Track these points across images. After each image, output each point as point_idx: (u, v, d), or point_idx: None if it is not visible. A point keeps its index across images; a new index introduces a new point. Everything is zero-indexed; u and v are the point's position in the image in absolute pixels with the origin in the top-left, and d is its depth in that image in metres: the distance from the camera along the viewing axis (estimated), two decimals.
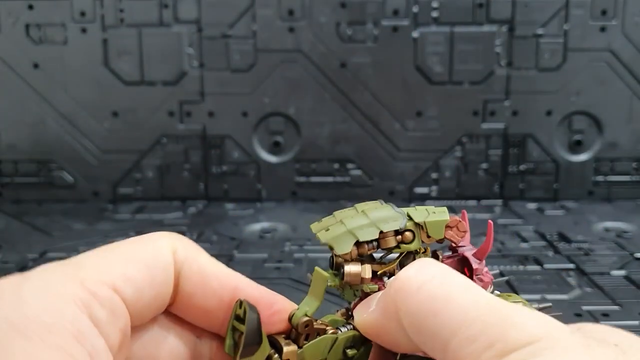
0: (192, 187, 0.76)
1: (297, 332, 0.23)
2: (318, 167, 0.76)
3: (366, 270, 0.24)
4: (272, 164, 0.76)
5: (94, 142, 0.75)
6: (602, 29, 0.72)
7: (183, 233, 0.67)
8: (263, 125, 0.75)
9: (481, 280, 0.25)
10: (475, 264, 0.26)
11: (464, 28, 0.72)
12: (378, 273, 0.25)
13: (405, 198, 0.76)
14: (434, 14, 0.72)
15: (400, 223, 0.24)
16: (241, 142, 0.75)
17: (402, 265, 0.25)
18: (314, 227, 0.25)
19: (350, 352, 0.24)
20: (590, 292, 0.50)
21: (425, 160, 0.76)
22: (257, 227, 0.68)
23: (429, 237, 0.25)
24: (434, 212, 0.25)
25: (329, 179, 0.76)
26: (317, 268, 0.24)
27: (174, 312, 0.23)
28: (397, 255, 0.25)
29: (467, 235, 0.26)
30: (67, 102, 0.74)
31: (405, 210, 0.25)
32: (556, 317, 0.21)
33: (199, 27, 0.73)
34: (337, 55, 0.73)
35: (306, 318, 0.23)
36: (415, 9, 0.72)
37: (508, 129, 0.75)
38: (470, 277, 0.25)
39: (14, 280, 0.19)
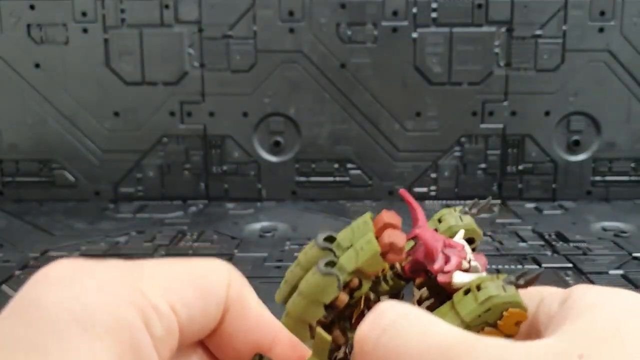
0: (192, 186, 0.77)
1: None
2: (318, 167, 0.76)
3: (337, 338, 0.24)
4: (272, 163, 0.76)
5: (95, 142, 0.76)
6: (601, 30, 0.73)
7: (184, 232, 0.67)
8: (263, 126, 0.76)
9: (447, 272, 0.23)
10: (432, 266, 0.24)
11: (463, 29, 0.73)
12: (353, 321, 0.24)
13: None
14: (433, 15, 0.73)
15: (336, 286, 0.23)
16: (241, 142, 0.76)
17: (375, 292, 0.24)
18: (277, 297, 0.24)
19: None
20: None
21: (424, 161, 0.76)
22: (257, 226, 0.69)
23: (372, 274, 0.23)
24: (362, 248, 0.23)
25: (329, 178, 0.76)
26: (319, 330, 0.22)
27: (206, 343, 0.22)
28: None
29: (421, 217, 0.24)
30: (68, 102, 0.75)
31: (338, 248, 0.24)
32: (535, 275, 0.21)
33: (200, 27, 0.73)
34: (337, 55, 0.74)
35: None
36: (414, 10, 0.73)
37: (506, 129, 0.75)
38: (435, 279, 0.23)
39: (78, 268, 0.18)
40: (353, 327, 0.24)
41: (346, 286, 0.23)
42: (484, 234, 0.64)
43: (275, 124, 0.75)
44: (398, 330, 0.19)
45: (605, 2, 0.72)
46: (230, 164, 0.76)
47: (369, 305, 0.24)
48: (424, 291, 0.25)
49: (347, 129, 0.75)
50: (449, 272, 0.23)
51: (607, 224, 0.68)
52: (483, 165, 0.76)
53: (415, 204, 0.25)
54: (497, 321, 0.22)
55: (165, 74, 0.74)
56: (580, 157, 0.76)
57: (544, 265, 0.56)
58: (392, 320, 0.19)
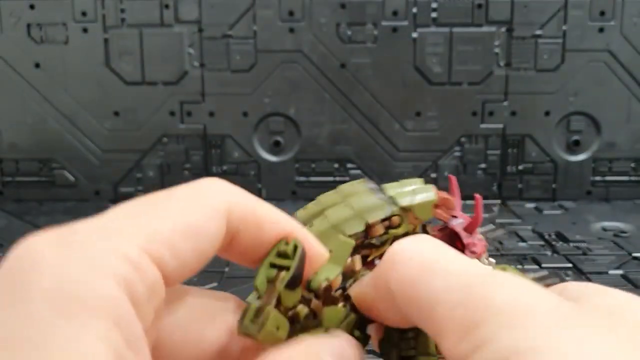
0: None
1: (316, 296, 0.22)
2: (318, 167, 0.76)
3: (356, 262, 0.24)
4: (272, 163, 0.76)
5: (95, 142, 0.76)
6: (601, 30, 0.73)
7: None
8: (263, 125, 0.76)
9: (473, 252, 0.24)
10: (466, 239, 0.25)
11: (463, 29, 0.73)
12: (369, 259, 0.24)
13: None
14: (433, 15, 0.73)
15: (385, 211, 0.24)
16: (241, 141, 0.76)
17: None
18: (300, 215, 0.24)
19: (356, 333, 0.23)
20: None
21: (424, 160, 0.76)
22: None
23: (417, 218, 0.24)
24: (419, 192, 0.24)
25: (329, 178, 0.76)
26: (341, 236, 0.23)
27: (221, 255, 0.21)
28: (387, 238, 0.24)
29: (458, 205, 0.25)
30: (68, 102, 0.75)
31: (387, 190, 0.24)
32: (553, 283, 0.21)
33: (200, 27, 0.73)
34: (337, 55, 0.74)
35: (326, 284, 0.22)
36: (414, 10, 0.73)
37: (506, 129, 0.75)
38: (462, 251, 0.24)
39: (55, 242, 0.17)
40: (366, 267, 0.24)
41: (386, 219, 0.23)
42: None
43: (275, 123, 0.75)
44: (439, 250, 0.19)
45: (605, 2, 0.72)
46: (230, 163, 0.76)
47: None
48: None
49: (347, 129, 0.75)
50: (475, 255, 0.24)
51: (607, 224, 0.68)
52: (483, 165, 0.76)
53: (480, 212, 0.25)
54: None
55: (165, 73, 0.74)
56: (580, 157, 0.76)
57: (543, 265, 0.56)
58: (434, 243, 0.19)
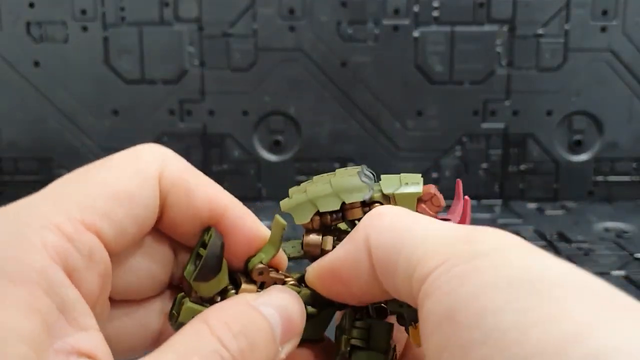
0: None
1: (251, 280, 0.22)
2: (318, 166, 0.76)
3: (327, 242, 0.23)
4: (272, 162, 0.76)
5: (94, 140, 0.75)
6: (603, 29, 0.72)
7: None
8: (263, 124, 0.75)
9: None
10: None
11: (464, 28, 0.72)
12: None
13: None
14: (435, 14, 0.72)
15: (364, 195, 0.23)
16: (241, 140, 0.75)
17: None
18: (282, 202, 0.24)
19: (310, 309, 0.23)
20: None
21: (425, 160, 0.76)
22: None
23: None
24: (407, 183, 0.24)
25: None
26: (277, 216, 0.23)
27: (160, 228, 0.22)
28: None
29: (460, 209, 0.25)
30: (67, 100, 0.74)
31: (382, 179, 0.24)
32: None
33: (200, 25, 0.73)
34: (337, 54, 0.73)
35: (260, 265, 0.22)
36: (416, 9, 0.72)
37: (508, 128, 0.75)
38: None
39: None
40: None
41: (367, 205, 0.23)
42: None
43: (275, 122, 0.75)
44: (417, 216, 0.20)
45: (607, 1, 0.72)
46: (230, 162, 0.76)
47: None
48: None
49: (348, 128, 0.75)
50: None
51: (609, 224, 0.68)
52: (484, 165, 0.75)
53: (467, 214, 0.25)
54: None
55: (164, 72, 0.74)
56: (582, 157, 0.76)
57: None
58: (410, 211, 0.21)
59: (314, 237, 0.23)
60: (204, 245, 0.21)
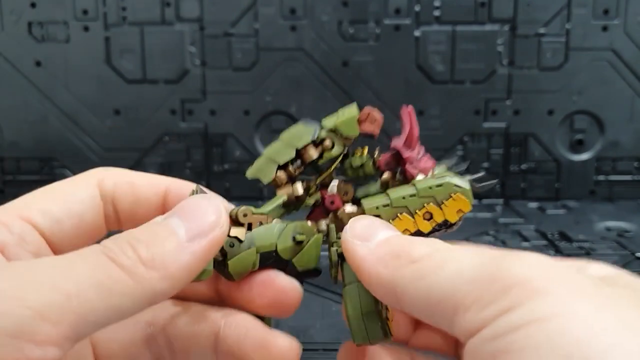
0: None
1: (238, 223, 0.24)
2: None
3: (296, 188, 0.25)
4: None
5: (96, 140, 0.75)
6: (604, 29, 0.72)
7: None
8: (265, 124, 0.75)
9: (416, 167, 0.25)
10: (406, 153, 0.26)
11: (466, 27, 0.72)
12: (317, 182, 0.26)
13: None
14: (436, 13, 0.72)
15: (312, 135, 0.25)
16: (243, 140, 0.75)
17: (340, 171, 0.26)
18: (247, 171, 0.27)
19: (299, 237, 0.25)
20: None
21: None
22: None
23: (346, 138, 0.26)
24: (342, 113, 0.26)
25: None
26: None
27: (122, 227, 0.26)
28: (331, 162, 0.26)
29: (413, 135, 0.27)
30: (69, 100, 0.75)
31: (323, 120, 0.26)
32: (491, 184, 0.22)
33: (201, 25, 0.73)
34: (339, 53, 0.73)
35: (243, 207, 0.24)
36: (417, 8, 0.72)
37: (509, 128, 0.75)
38: (404, 166, 0.26)
39: None
40: (317, 191, 0.26)
41: (319, 144, 0.25)
42: (487, 233, 0.64)
43: (277, 122, 0.75)
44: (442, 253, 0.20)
45: (608, 0, 0.72)
46: (232, 162, 0.76)
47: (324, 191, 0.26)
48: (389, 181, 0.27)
49: None
50: (418, 168, 0.26)
51: (610, 223, 0.68)
52: (486, 164, 0.75)
53: (411, 123, 0.28)
54: (444, 201, 0.24)
55: (166, 72, 0.74)
56: (584, 156, 0.76)
57: None
58: (431, 245, 0.21)
59: (285, 189, 0.26)
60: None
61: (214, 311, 0.24)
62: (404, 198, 0.25)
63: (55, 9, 0.73)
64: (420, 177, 0.25)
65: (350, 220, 0.23)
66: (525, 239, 0.62)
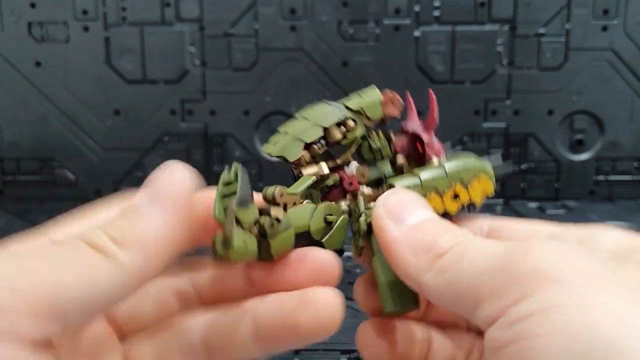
0: None
1: (274, 203, 0.24)
2: None
3: (322, 167, 0.25)
4: (273, 162, 0.76)
5: (96, 140, 0.75)
6: (604, 29, 0.72)
7: None
8: (265, 124, 0.75)
9: (433, 150, 0.27)
10: (426, 138, 0.27)
11: (465, 27, 0.72)
12: (338, 162, 0.26)
13: None
14: (436, 13, 0.72)
15: (339, 115, 0.25)
16: (243, 140, 0.75)
17: (359, 154, 0.27)
18: (266, 147, 0.26)
19: (330, 217, 0.25)
20: None
21: None
22: None
23: (369, 119, 0.26)
24: (366, 95, 0.26)
25: None
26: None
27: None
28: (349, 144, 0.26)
29: (413, 114, 0.28)
30: (69, 100, 0.75)
31: (341, 102, 0.26)
32: (508, 169, 0.22)
33: (201, 25, 0.73)
34: (338, 54, 0.73)
35: (279, 187, 0.24)
36: (417, 8, 0.72)
37: (509, 128, 0.75)
38: (423, 150, 0.27)
39: None
40: (338, 170, 0.26)
41: (342, 124, 0.25)
42: None
43: (276, 122, 0.75)
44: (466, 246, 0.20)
45: (608, 0, 0.72)
46: (232, 162, 0.76)
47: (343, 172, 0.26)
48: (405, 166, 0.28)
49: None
50: (434, 151, 0.27)
51: (610, 223, 0.68)
52: None
53: (434, 109, 0.28)
54: (471, 182, 0.26)
55: (166, 72, 0.74)
56: (584, 156, 0.76)
57: None
58: (456, 237, 0.21)
59: (311, 169, 0.25)
60: (226, 184, 0.23)
61: (246, 302, 0.23)
62: (433, 179, 0.26)
63: (55, 9, 0.73)
64: (435, 159, 0.27)
65: (386, 193, 0.24)
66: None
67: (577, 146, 0.75)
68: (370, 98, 0.26)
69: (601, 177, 0.76)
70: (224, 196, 0.23)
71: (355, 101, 0.26)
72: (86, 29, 0.73)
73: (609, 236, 0.19)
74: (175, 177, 0.22)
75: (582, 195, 0.76)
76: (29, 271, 0.18)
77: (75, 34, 0.73)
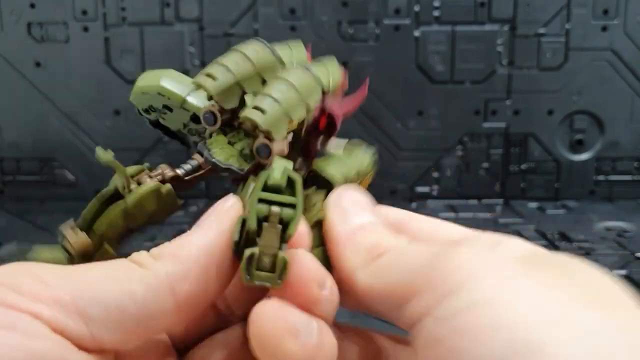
0: None
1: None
2: None
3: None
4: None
5: (95, 140, 0.75)
6: (604, 29, 0.72)
7: (184, 232, 0.67)
8: None
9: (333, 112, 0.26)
10: (337, 115, 0.28)
11: (465, 27, 0.72)
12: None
13: (407, 197, 0.76)
14: (436, 13, 0.72)
15: (319, 93, 0.25)
16: None
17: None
18: (261, 120, 0.23)
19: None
20: None
21: (426, 160, 0.76)
22: None
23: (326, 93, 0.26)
24: (332, 67, 0.27)
25: None
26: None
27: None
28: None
29: (355, 107, 0.28)
30: (69, 101, 0.75)
31: (313, 63, 0.26)
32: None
33: (201, 25, 0.73)
34: (338, 54, 0.73)
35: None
36: (416, 8, 0.72)
37: (509, 128, 0.75)
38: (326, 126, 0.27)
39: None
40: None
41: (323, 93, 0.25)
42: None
43: None
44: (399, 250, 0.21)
45: (608, 0, 0.72)
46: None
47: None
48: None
49: (349, 128, 0.75)
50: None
51: (610, 223, 0.68)
52: (486, 165, 0.75)
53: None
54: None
55: None
56: (584, 156, 0.76)
57: None
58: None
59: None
60: (268, 188, 0.19)
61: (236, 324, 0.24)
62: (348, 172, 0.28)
63: (55, 9, 0.73)
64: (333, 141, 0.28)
65: (339, 189, 0.25)
66: (525, 239, 0.62)
67: (577, 146, 0.75)
68: (336, 76, 0.26)
69: (601, 177, 0.76)
70: (262, 201, 0.19)
71: (322, 72, 0.26)
72: (86, 29, 0.73)
73: (513, 243, 0.20)
74: (225, 204, 0.22)
75: (582, 195, 0.76)
76: (56, 267, 0.19)
77: (75, 34, 0.73)
